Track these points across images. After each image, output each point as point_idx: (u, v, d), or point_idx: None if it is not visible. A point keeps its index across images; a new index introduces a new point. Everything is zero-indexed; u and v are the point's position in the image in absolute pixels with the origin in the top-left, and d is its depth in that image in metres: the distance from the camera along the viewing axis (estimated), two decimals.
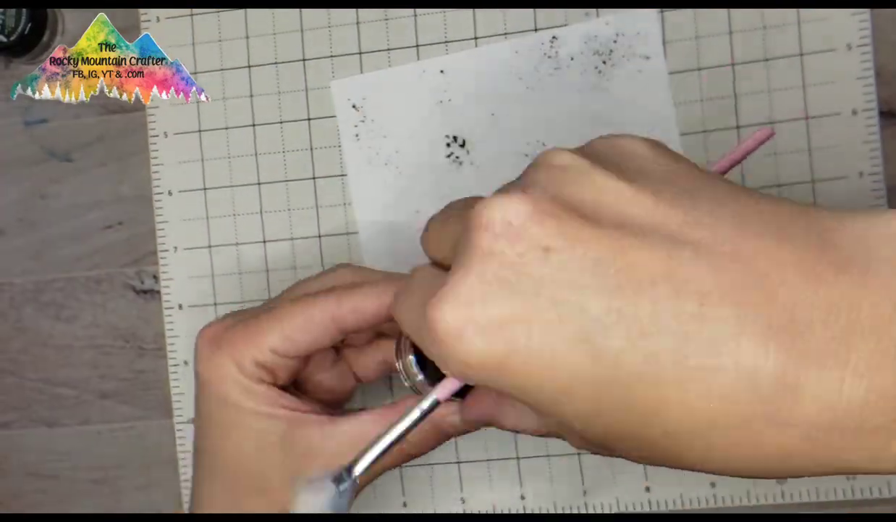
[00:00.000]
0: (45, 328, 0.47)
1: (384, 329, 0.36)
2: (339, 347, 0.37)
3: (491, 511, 0.43)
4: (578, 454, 0.43)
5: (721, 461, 0.21)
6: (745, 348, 0.19)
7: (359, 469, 0.26)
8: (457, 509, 0.44)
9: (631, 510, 0.43)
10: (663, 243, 0.21)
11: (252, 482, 0.33)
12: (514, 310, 0.21)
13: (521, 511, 0.43)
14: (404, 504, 0.44)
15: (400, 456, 0.33)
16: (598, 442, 0.23)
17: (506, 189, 0.23)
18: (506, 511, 0.43)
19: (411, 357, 0.33)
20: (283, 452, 0.32)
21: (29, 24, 0.44)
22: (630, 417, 0.21)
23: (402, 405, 0.32)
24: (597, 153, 0.24)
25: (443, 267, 0.27)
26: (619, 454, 0.23)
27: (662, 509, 0.42)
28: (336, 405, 0.37)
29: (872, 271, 0.19)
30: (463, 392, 0.29)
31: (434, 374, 0.32)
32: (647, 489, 0.43)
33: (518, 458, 0.43)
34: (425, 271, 0.27)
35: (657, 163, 0.24)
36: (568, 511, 0.43)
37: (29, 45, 0.45)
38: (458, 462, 0.44)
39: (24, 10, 0.44)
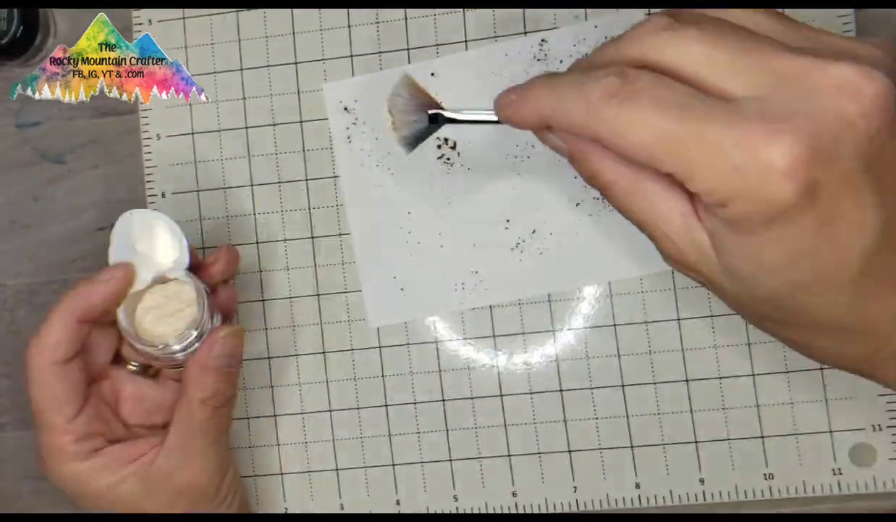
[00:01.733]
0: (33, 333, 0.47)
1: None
2: (151, 372, 0.41)
3: (483, 509, 0.44)
4: (569, 451, 0.43)
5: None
6: None
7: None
8: (449, 506, 0.44)
9: (621, 506, 0.43)
10: None
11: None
12: (839, 182, 0.24)
13: (513, 508, 0.44)
14: (397, 502, 0.44)
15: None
16: (774, 296, 0.26)
17: (865, 66, 0.24)
18: (497, 508, 0.44)
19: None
20: (158, 494, 0.37)
21: (21, 27, 0.44)
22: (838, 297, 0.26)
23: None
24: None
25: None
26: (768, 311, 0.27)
27: (652, 504, 0.43)
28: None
29: None
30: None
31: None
32: (637, 485, 0.43)
33: (510, 456, 0.44)
34: (676, 85, 0.25)
35: None
36: (558, 508, 0.43)
37: (21, 47, 0.45)
38: (451, 460, 0.44)
39: (15, 12, 0.44)
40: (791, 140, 0.23)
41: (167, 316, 0.37)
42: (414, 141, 0.31)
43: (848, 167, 0.24)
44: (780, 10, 0.39)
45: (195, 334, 0.37)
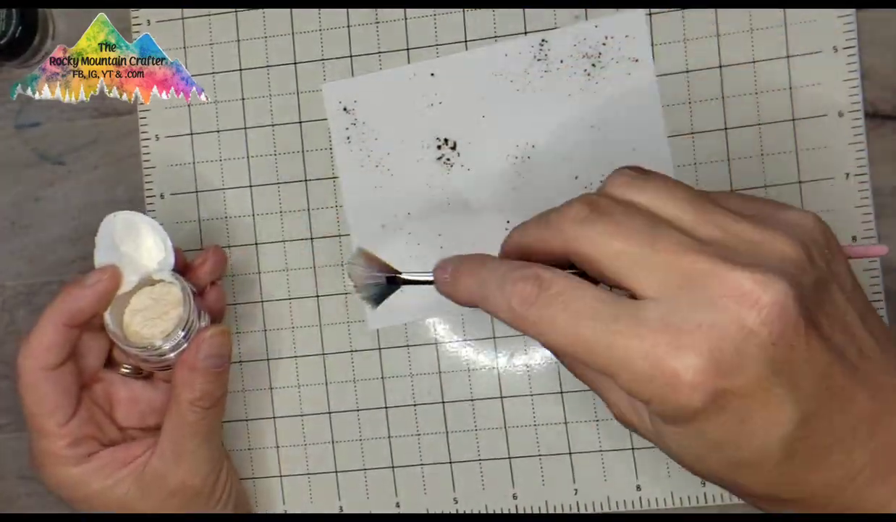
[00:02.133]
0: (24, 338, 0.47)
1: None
2: (144, 374, 0.41)
3: (483, 511, 0.44)
4: (570, 453, 0.43)
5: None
6: (857, 458, 0.27)
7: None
8: (449, 508, 0.44)
9: (622, 508, 0.43)
10: (870, 388, 0.27)
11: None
12: (752, 389, 0.25)
13: (514, 510, 0.44)
14: (397, 505, 0.44)
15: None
16: (713, 477, 0.29)
17: (763, 272, 0.25)
18: (498, 511, 0.44)
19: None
20: (151, 494, 0.38)
21: (20, 28, 0.44)
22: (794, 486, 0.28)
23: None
24: (807, 235, 0.28)
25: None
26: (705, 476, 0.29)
27: (653, 507, 0.43)
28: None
29: None
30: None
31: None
32: (638, 487, 0.43)
33: (510, 458, 0.44)
34: (596, 292, 0.27)
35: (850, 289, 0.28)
36: (559, 510, 0.43)
37: (20, 48, 0.45)
38: (451, 462, 0.44)
39: (14, 13, 0.44)
40: (693, 355, 0.24)
41: (155, 318, 0.37)
42: (378, 298, 0.34)
43: (755, 373, 0.24)
44: (784, 12, 0.39)
45: (183, 334, 0.37)
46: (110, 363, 0.40)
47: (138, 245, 0.38)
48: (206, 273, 0.40)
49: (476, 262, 0.29)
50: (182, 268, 0.39)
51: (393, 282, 0.33)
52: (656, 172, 0.28)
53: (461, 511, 0.44)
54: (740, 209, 0.28)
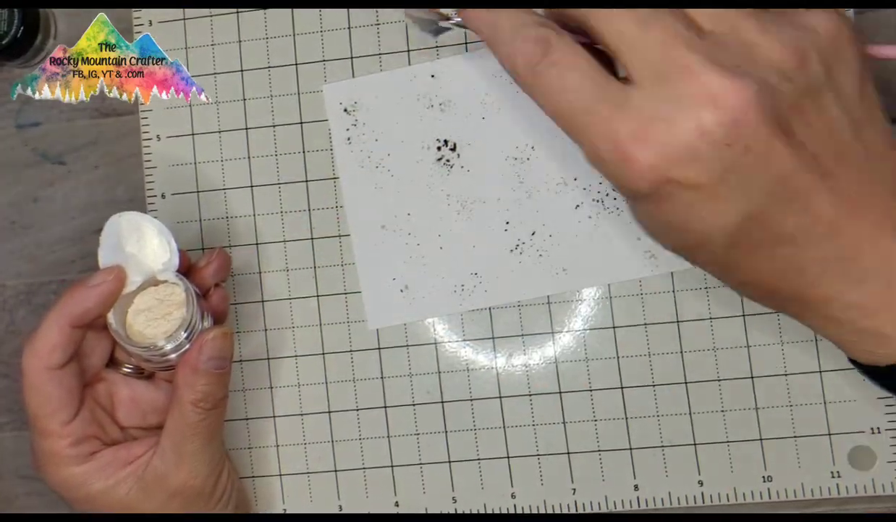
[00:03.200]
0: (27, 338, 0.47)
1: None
2: (146, 374, 0.41)
3: (482, 510, 0.44)
4: (568, 453, 0.43)
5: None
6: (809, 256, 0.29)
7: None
8: (448, 508, 0.44)
9: (620, 508, 0.43)
10: (831, 196, 0.28)
11: None
12: (696, 178, 0.27)
13: (512, 510, 0.44)
14: (396, 504, 0.44)
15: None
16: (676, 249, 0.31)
17: (732, 73, 0.27)
18: (496, 510, 0.44)
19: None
20: (153, 494, 0.37)
21: (21, 28, 0.44)
22: (723, 276, 0.31)
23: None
24: (821, 44, 0.28)
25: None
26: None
27: (651, 507, 0.43)
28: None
29: None
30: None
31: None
32: (636, 487, 0.43)
33: (508, 457, 0.44)
34: (591, 66, 0.29)
35: (862, 86, 0.29)
36: (557, 510, 0.43)
37: (21, 48, 0.45)
38: (450, 462, 0.44)
39: (16, 13, 0.44)
40: (648, 146, 0.27)
41: (158, 318, 0.37)
42: (436, 30, 0.37)
43: (704, 170, 0.27)
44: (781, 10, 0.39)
45: (185, 335, 0.37)
46: (112, 362, 0.40)
47: (143, 246, 0.38)
48: (210, 275, 0.40)
49: (502, 10, 0.31)
50: (186, 269, 0.39)
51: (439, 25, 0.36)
52: None
53: (460, 511, 0.44)
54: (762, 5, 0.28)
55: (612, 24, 0.28)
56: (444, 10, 0.36)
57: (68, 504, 0.38)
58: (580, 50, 0.28)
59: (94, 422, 0.38)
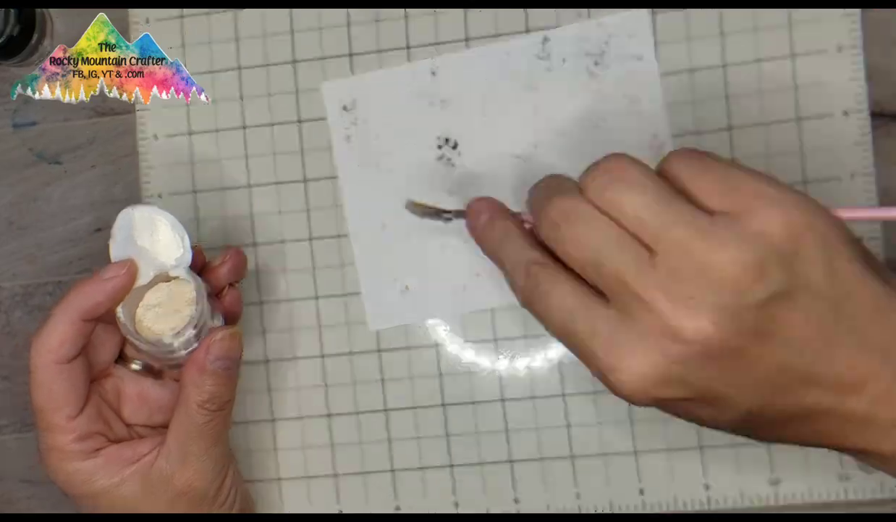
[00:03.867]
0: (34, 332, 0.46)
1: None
2: (155, 372, 0.41)
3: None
4: (572, 457, 0.43)
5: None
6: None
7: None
8: (450, 512, 0.44)
9: (625, 511, 0.42)
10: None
11: None
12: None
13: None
14: (397, 508, 0.44)
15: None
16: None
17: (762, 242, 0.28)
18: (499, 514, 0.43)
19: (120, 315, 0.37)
20: (156, 496, 0.37)
21: (18, 27, 0.44)
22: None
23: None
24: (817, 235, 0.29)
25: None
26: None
27: (656, 510, 0.42)
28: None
29: None
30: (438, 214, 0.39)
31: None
32: (641, 491, 0.42)
33: (511, 461, 0.43)
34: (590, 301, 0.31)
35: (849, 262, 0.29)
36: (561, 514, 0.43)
37: (18, 47, 0.45)
38: (451, 466, 0.44)
39: (12, 12, 0.43)
40: (627, 375, 0.28)
41: (168, 314, 0.37)
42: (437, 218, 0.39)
43: (690, 390, 0.28)
44: (788, 11, 0.39)
45: (193, 333, 0.36)
46: (121, 358, 0.40)
47: (155, 240, 0.37)
48: (224, 275, 0.40)
49: (500, 231, 0.34)
50: (200, 267, 0.39)
51: (441, 216, 0.38)
52: (632, 163, 0.30)
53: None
54: (713, 194, 0.29)
55: (570, 256, 0.30)
56: (445, 208, 0.39)
57: (72, 501, 0.37)
58: (562, 275, 0.30)
59: (99, 418, 0.37)
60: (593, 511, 0.43)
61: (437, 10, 0.43)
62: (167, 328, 0.36)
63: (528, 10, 0.43)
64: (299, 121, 0.44)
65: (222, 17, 0.45)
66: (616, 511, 0.42)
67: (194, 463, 0.37)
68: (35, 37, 0.45)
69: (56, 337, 0.36)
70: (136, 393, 0.39)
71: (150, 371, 0.40)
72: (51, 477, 0.37)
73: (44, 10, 0.46)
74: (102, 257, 0.46)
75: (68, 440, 0.36)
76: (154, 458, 0.37)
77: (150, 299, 0.37)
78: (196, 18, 0.45)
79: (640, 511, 0.42)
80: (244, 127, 0.45)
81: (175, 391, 0.39)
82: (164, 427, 0.38)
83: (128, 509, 0.37)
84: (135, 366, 0.39)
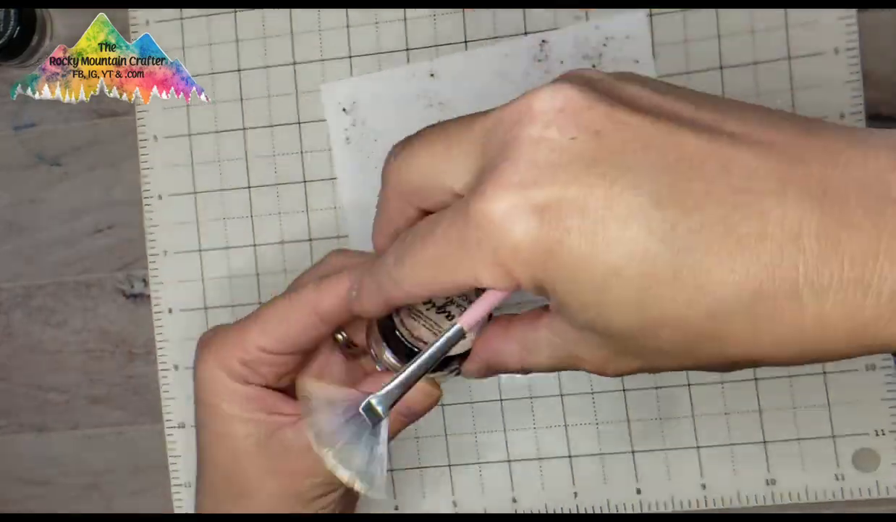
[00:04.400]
0: (34, 333, 0.47)
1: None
2: (354, 352, 0.35)
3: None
4: (570, 456, 0.43)
5: (761, 338, 0.22)
6: (790, 213, 0.21)
7: (385, 399, 0.26)
8: (448, 512, 0.44)
9: (622, 511, 0.43)
10: (706, 132, 0.22)
11: (231, 488, 0.33)
12: (566, 193, 0.22)
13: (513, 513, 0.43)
14: (396, 508, 0.44)
15: (402, 420, 0.32)
16: (631, 336, 0.23)
17: (545, 85, 0.23)
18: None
19: (387, 352, 0.31)
20: (262, 456, 0.32)
21: (18, 28, 0.44)
22: (675, 294, 0.21)
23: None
24: (619, 75, 0.25)
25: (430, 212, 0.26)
26: (647, 353, 0.24)
27: (653, 510, 0.43)
28: None
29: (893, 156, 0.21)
30: (446, 363, 0.29)
31: (407, 357, 0.29)
32: (638, 490, 0.43)
33: (509, 461, 0.43)
34: (426, 217, 0.26)
35: (672, 87, 0.25)
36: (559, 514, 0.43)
37: (18, 48, 0.45)
38: (450, 465, 0.44)
39: (12, 13, 0.43)
40: (499, 198, 0.23)
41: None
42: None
43: (567, 177, 0.22)
44: (785, 14, 0.39)
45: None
46: None
47: None
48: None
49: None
50: None
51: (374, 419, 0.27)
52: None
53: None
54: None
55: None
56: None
57: (194, 385, 0.33)
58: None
59: (277, 376, 0.33)
60: (591, 510, 0.43)
61: (436, 12, 0.44)
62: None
63: (527, 13, 0.43)
64: (299, 122, 0.45)
65: (222, 19, 0.45)
66: (613, 510, 0.43)
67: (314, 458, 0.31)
68: (35, 38, 0.45)
69: (338, 294, 0.31)
70: (320, 364, 0.35)
71: (349, 349, 0.35)
72: (197, 366, 0.33)
73: (44, 11, 0.46)
74: (101, 259, 0.46)
75: (236, 356, 0.32)
76: (286, 424, 0.32)
77: None
78: (196, 20, 0.45)
79: (637, 510, 0.43)
80: (244, 128, 0.45)
81: (355, 377, 0.35)
82: None
83: (221, 460, 0.33)
84: (339, 337, 0.34)
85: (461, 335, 0.26)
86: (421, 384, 0.28)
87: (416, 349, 0.29)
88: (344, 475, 0.27)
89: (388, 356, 0.30)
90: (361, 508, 0.44)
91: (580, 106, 0.22)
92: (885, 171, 0.21)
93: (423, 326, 0.30)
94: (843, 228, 0.20)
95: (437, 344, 0.26)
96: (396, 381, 0.26)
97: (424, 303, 0.30)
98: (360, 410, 0.26)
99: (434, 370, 0.28)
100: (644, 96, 0.23)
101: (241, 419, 0.32)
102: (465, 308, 0.27)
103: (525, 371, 0.28)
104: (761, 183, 0.21)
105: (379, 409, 0.26)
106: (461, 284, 0.24)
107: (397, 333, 0.30)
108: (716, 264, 0.21)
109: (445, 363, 0.29)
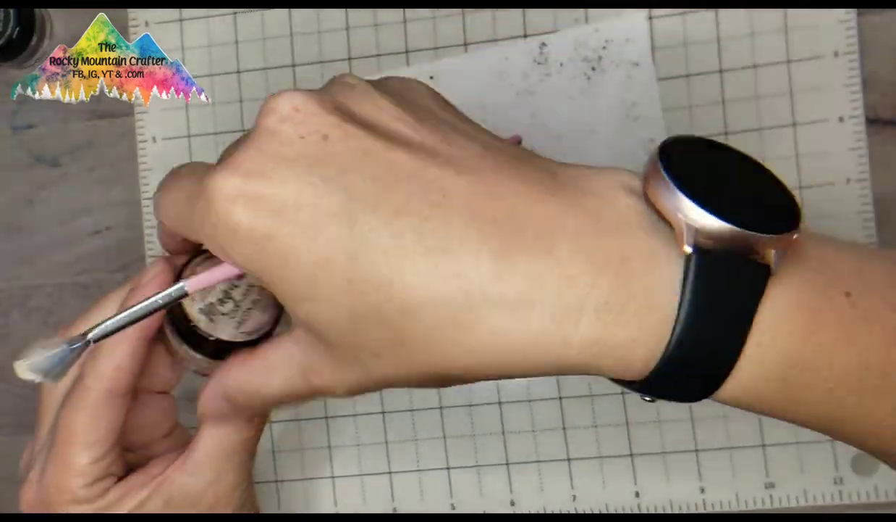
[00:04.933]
0: (32, 333, 0.46)
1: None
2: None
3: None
4: (568, 460, 0.43)
5: (445, 342, 0.24)
6: (473, 234, 0.23)
7: (93, 333, 0.27)
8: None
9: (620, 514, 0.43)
10: (420, 152, 0.25)
11: None
12: (288, 185, 0.24)
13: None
14: (394, 510, 0.44)
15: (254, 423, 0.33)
16: (343, 333, 0.25)
17: (293, 89, 0.26)
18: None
19: (168, 329, 0.31)
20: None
21: (17, 29, 0.44)
22: (374, 290, 0.24)
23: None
24: (384, 84, 0.28)
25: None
26: (364, 357, 0.25)
27: (652, 513, 0.42)
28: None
29: (581, 198, 0.25)
30: (218, 355, 0.30)
31: (193, 341, 0.30)
32: (637, 494, 0.43)
33: (508, 464, 0.43)
34: (194, 164, 0.28)
35: (432, 101, 0.28)
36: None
37: (17, 49, 0.45)
38: (448, 468, 0.44)
39: (11, 14, 0.43)
40: (220, 178, 0.25)
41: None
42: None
43: (287, 175, 0.24)
44: (785, 16, 0.39)
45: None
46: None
47: None
48: None
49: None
50: None
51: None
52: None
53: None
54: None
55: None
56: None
57: None
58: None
59: (120, 456, 0.32)
60: (589, 514, 0.43)
61: (436, 14, 0.44)
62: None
63: (527, 15, 0.43)
64: None
65: (221, 21, 0.45)
66: (611, 513, 0.43)
67: (230, 479, 0.32)
68: (34, 39, 0.45)
69: (127, 359, 0.30)
70: (163, 407, 0.34)
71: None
72: (37, 507, 0.32)
73: (43, 11, 0.46)
74: (99, 260, 0.46)
75: (79, 484, 0.31)
76: (175, 476, 0.32)
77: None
78: (195, 22, 0.45)
79: (635, 514, 0.42)
80: (243, 130, 0.45)
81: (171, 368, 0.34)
82: (169, 435, 0.34)
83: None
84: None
85: (182, 293, 0.27)
86: (165, 356, 0.32)
87: (195, 329, 0.30)
88: (20, 370, 0.28)
89: (170, 336, 0.31)
90: (359, 510, 0.44)
91: (314, 111, 0.25)
92: (554, 214, 0.24)
93: (200, 311, 0.30)
94: (516, 251, 0.23)
95: (157, 297, 0.27)
96: (111, 321, 0.27)
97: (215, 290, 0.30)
98: (64, 343, 0.27)
99: (194, 347, 0.30)
100: (383, 116, 0.25)
101: (140, 507, 0.32)
102: (243, 291, 0.30)
103: (266, 402, 0.29)
104: (451, 202, 0.24)
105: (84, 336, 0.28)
106: (194, 239, 0.27)
107: (174, 315, 0.30)
108: (406, 267, 0.23)
109: (200, 342, 0.30)
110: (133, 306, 0.27)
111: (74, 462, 0.31)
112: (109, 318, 0.27)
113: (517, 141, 0.33)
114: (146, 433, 0.34)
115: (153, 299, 0.27)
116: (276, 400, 0.28)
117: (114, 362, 0.30)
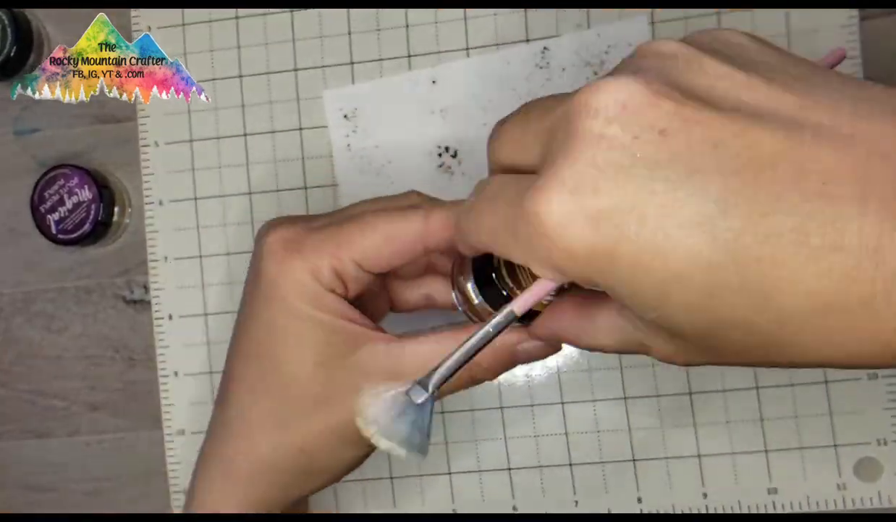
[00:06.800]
0: (35, 338, 0.46)
1: (438, 265, 0.35)
2: (386, 275, 0.34)
3: None
4: (570, 465, 0.43)
5: (828, 347, 0.21)
6: (869, 224, 0.19)
7: (434, 383, 0.26)
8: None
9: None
10: (782, 125, 0.20)
11: (308, 397, 0.31)
12: (626, 196, 0.21)
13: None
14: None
15: (469, 379, 0.31)
16: (699, 336, 0.22)
17: (612, 75, 0.22)
18: None
19: (470, 284, 0.31)
20: (346, 369, 0.31)
21: (15, 47, 0.43)
22: (742, 302, 0.20)
23: (471, 328, 0.29)
24: (701, 43, 0.23)
25: (519, 173, 0.25)
26: (717, 351, 0.23)
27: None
28: None
29: None
30: (527, 318, 0.28)
31: (494, 300, 0.30)
32: (639, 499, 0.42)
33: (510, 469, 0.43)
34: (503, 177, 0.25)
35: (763, 54, 0.23)
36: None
37: (15, 66, 0.44)
38: (450, 473, 0.44)
39: (9, 31, 0.43)
40: (551, 198, 0.22)
41: None
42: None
43: (626, 182, 0.21)
44: (787, 21, 0.39)
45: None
46: None
47: None
48: None
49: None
50: None
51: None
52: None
53: None
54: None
55: (505, 145, 0.26)
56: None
57: (266, 282, 0.32)
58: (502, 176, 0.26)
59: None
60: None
61: (438, 19, 0.44)
62: None
63: (529, 20, 0.43)
64: (300, 129, 0.45)
65: (224, 25, 0.45)
66: (613, 514, 0.43)
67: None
68: (33, 56, 0.45)
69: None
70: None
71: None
72: (277, 264, 0.31)
73: (41, 28, 0.45)
74: (101, 265, 0.46)
75: (330, 265, 0.30)
76: (371, 334, 0.31)
77: None
78: (198, 26, 0.45)
79: (635, 513, 0.42)
80: (245, 134, 0.45)
81: (383, 302, 0.35)
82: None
83: (298, 365, 0.31)
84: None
85: (512, 318, 0.26)
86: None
87: (502, 292, 0.29)
88: (383, 443, 0.27)
89: (471, 290, 0.31)
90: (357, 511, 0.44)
91: (645, 102, 0.21)
92: None
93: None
94: None
95: (486, 328, 0.26)
96: (446, 365, 0.26)
97: None
98: (406, 392, 0.26)
99: (486, 298, 0.30)
100: (720, 85, 0.21)
101: (328, 327, 0.30)
102: None
103: (591, 349, 0.28)
104: (840, 187, 0.19)
105: (428, 387, 0.26)
106: (516, 261, 0.25)
107: (490, 270, 0.30)
108: (785, 275, 0.20)
109: (492, 294, 0.30)
110: (462, 346, 0.26)
111: (350, 244, 0.30)
112: (445, 360, 0.26)
113: (841, 57, 0.28)
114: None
115: (485, 329, 0.25)
116: (607, 351, 0.27)
117: (441, 220, 0.30)
